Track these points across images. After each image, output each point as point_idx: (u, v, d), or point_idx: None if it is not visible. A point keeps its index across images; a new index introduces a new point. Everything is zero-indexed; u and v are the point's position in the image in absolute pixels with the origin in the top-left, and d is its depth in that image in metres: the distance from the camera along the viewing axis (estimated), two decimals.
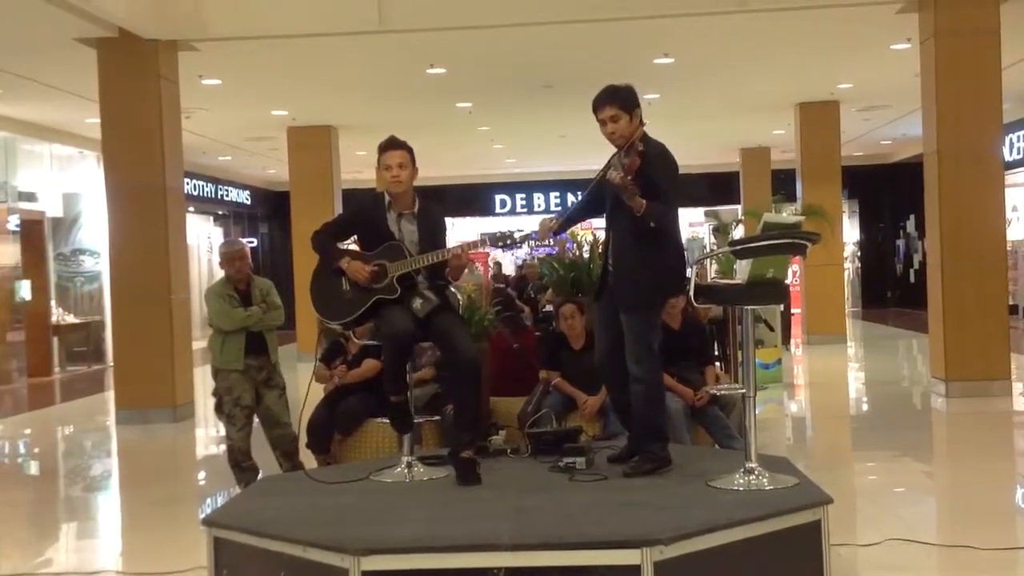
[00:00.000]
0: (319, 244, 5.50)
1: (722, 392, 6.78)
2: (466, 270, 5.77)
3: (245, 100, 15.28)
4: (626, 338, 5.23)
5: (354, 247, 5.61)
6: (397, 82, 14.25)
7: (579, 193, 5.56)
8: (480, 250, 5.62)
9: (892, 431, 9.91)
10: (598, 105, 5.21)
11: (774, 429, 9.88)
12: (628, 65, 13.21)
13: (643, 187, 4.96)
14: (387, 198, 5.45)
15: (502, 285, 15.32)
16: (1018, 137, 18.84)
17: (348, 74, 13.78)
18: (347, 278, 5.36)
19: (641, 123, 5.22)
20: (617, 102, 5.16)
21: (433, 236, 5.44)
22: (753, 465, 4.94)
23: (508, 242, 5.46)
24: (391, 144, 5.45)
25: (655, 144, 5.20)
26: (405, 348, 5.37)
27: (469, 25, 11.09)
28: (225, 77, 13.32)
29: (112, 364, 11.37)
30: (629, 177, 4.90)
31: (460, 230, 26.55)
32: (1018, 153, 18.90)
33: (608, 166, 5.12)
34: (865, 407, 12.36)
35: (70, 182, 18.01)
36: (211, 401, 7.30)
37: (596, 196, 5.37)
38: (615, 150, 5.26)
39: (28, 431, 11.23)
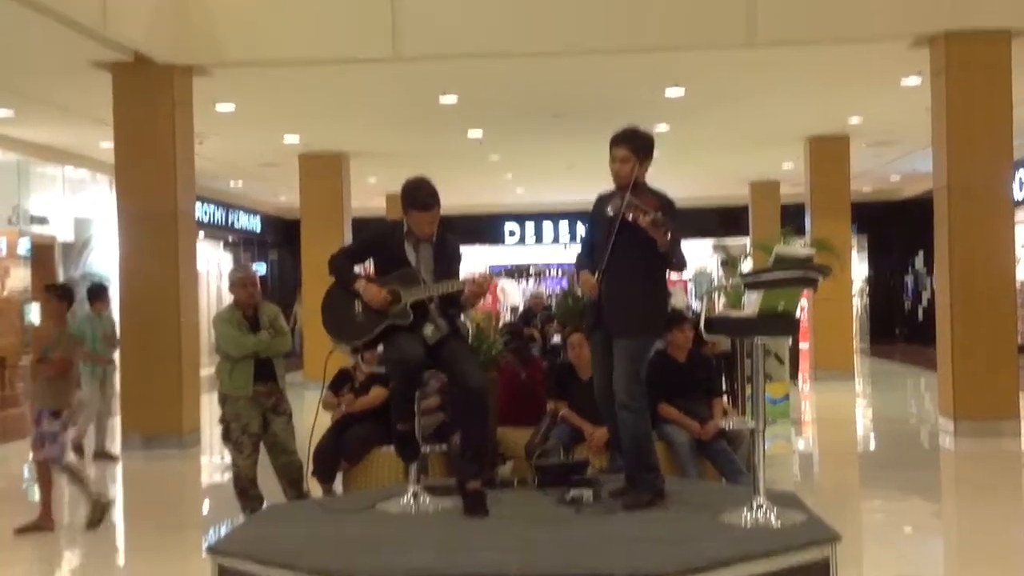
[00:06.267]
0: (336, 266, 5.50)
1: (731, 426, 6.75)
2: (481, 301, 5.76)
3: (258, 126, 15.35)
4: (616, 366, 5.27)
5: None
6: (409, 110, 14.32)
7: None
8: (495, 281, 5.63)
9: (900, 469, 9.85)
10: (617, 142, 5.37)
11: (782, 465, 9.83)
12: (638, 96, 13.27)
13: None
14: (405, 225, 5.45)
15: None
16: None
17: (361, 101, 13.85)
18: (360, 301, 5.36)
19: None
20: (631, 146, 5.30)
21: (449, 265, 5.44)
22: (761, 500, 4.91)
23: (526, 275, 5.48)
24: (427, 205, 5.36)
25: (658, 191, 5.37)
26: (414, 375, 5.36)
27: (481, 54, 11.15)
28: (239, 103, 13.39)
29: (119, 389, 11.37)
30: (659, 213, 4.97)
31: (470, 259, 26.57)
32: None
33: (624, 206, 5.14)
34: (873, 444, 12.29)
35: (82, 206, 18.08)
36: (217, 428, 7.28)
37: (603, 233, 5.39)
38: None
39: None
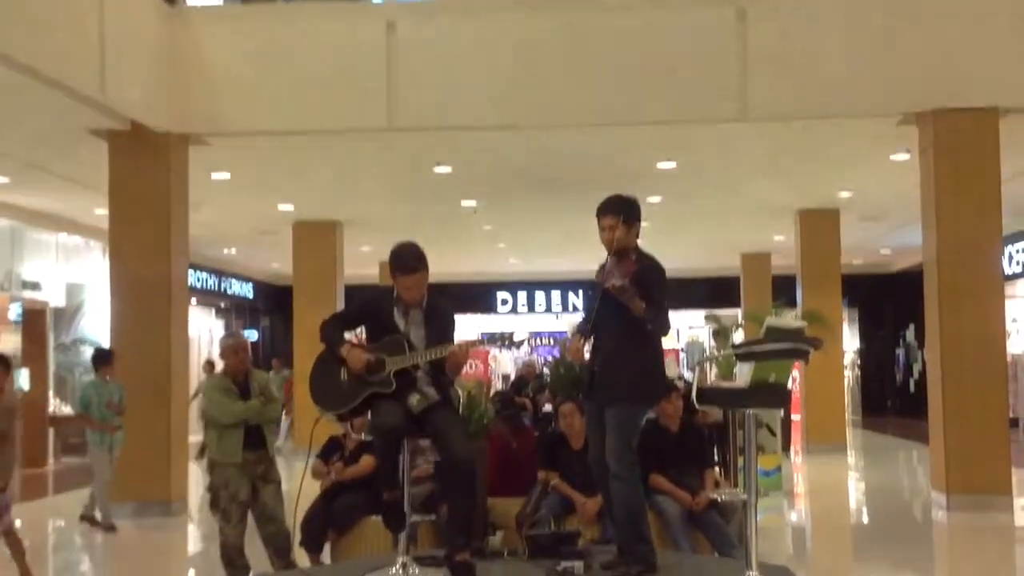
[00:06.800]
0: (326, 332, 5.51)
1: (723, 497, 6.71)
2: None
3: (253, 194, 15.44)
4: (608, 434, 5.26)
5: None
6: (404, 179, 14.41)
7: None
8: (480, 349, 5.66)
9: (893, 543, 9.79)
10: (602, 211, 5.41)
11: (774, 538, 9.76)
12: (631, 169, 13.38)
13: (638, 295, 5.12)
14: (395, 291, 5.47)
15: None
16: (1017, 249, 18.96)
17: (356, 171, 13.95)
18: (346, 368, 5.36)
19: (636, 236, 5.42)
20: (619, 213, 5.34)
21: (440, 332, 5.43)
22: (754, 574, 4.87)
23: (508, 343, 5.50)
24: (413, 268, 5.40)
25: (647, 256, 5.40)
26: (395, 444, 5.33)
27: (475, 127, 11.26)
28: (234, 171, 13.47)
29: None
30: (627, 280, 5.00)
31: (462, 328, 26.55)
32: (1017, 265, 19.00)
33: (604, 273, 5.21)
34: (866, 518, 12.22)
35: (75, 272, 18.09)
36: (205, 496, 7.21)
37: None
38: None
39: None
